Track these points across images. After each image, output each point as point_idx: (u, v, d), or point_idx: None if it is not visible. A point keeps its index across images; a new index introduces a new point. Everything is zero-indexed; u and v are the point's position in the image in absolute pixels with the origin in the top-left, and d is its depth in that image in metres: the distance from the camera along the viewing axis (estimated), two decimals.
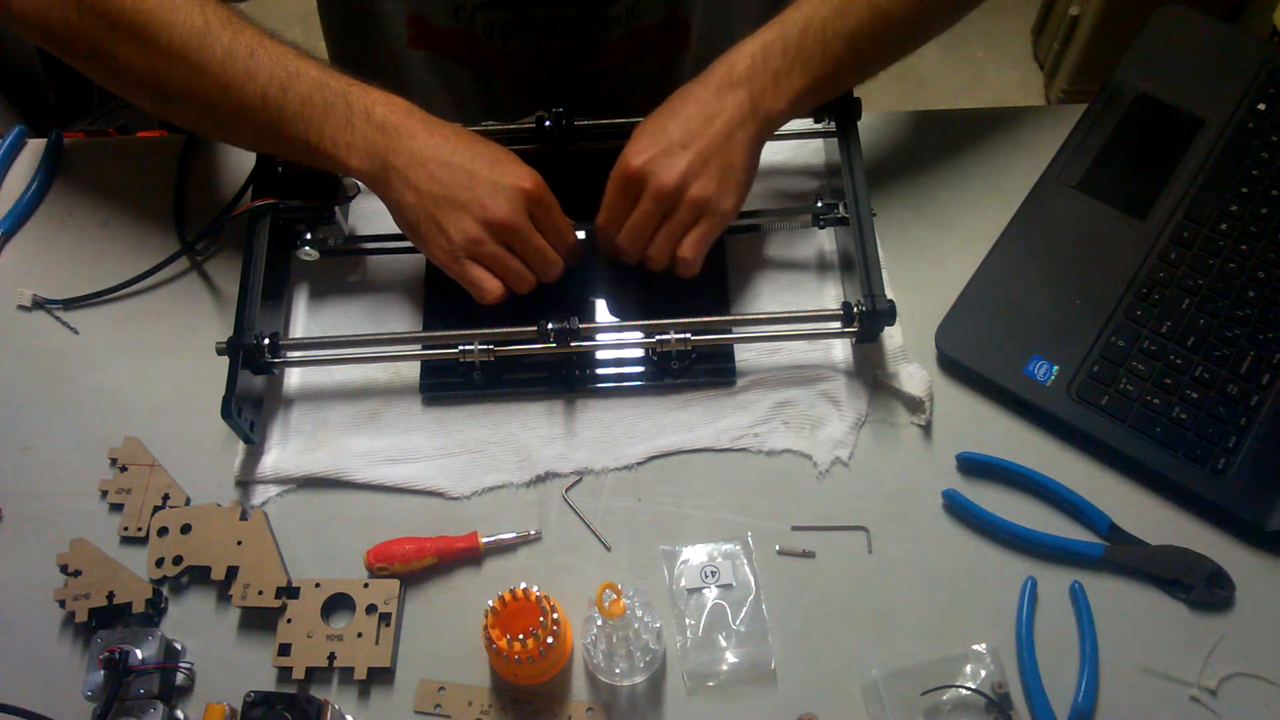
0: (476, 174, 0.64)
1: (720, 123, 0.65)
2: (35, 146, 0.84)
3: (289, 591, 0.65)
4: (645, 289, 0.72)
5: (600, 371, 0.72)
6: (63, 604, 0.65)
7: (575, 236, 0.70)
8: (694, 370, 0.71)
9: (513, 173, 0.65)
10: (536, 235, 0.66)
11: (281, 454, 0.70)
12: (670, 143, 0.65)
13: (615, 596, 0.58)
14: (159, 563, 0.66)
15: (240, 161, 0.81)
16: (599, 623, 0.60)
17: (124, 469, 0.70)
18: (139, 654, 0.62)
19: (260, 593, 0.64)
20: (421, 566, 0.66)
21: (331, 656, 0.63)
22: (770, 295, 0.75)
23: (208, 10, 0.65)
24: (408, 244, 0.75)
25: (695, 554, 0.66)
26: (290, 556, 0.67)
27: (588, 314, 0.73)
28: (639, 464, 0.69)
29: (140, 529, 0.68)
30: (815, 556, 0.67)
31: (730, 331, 0.71)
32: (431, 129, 0.65)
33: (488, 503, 0.69)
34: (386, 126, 0.64)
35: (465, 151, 0.65)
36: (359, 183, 0.76)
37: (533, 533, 0.67)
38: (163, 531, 0.67)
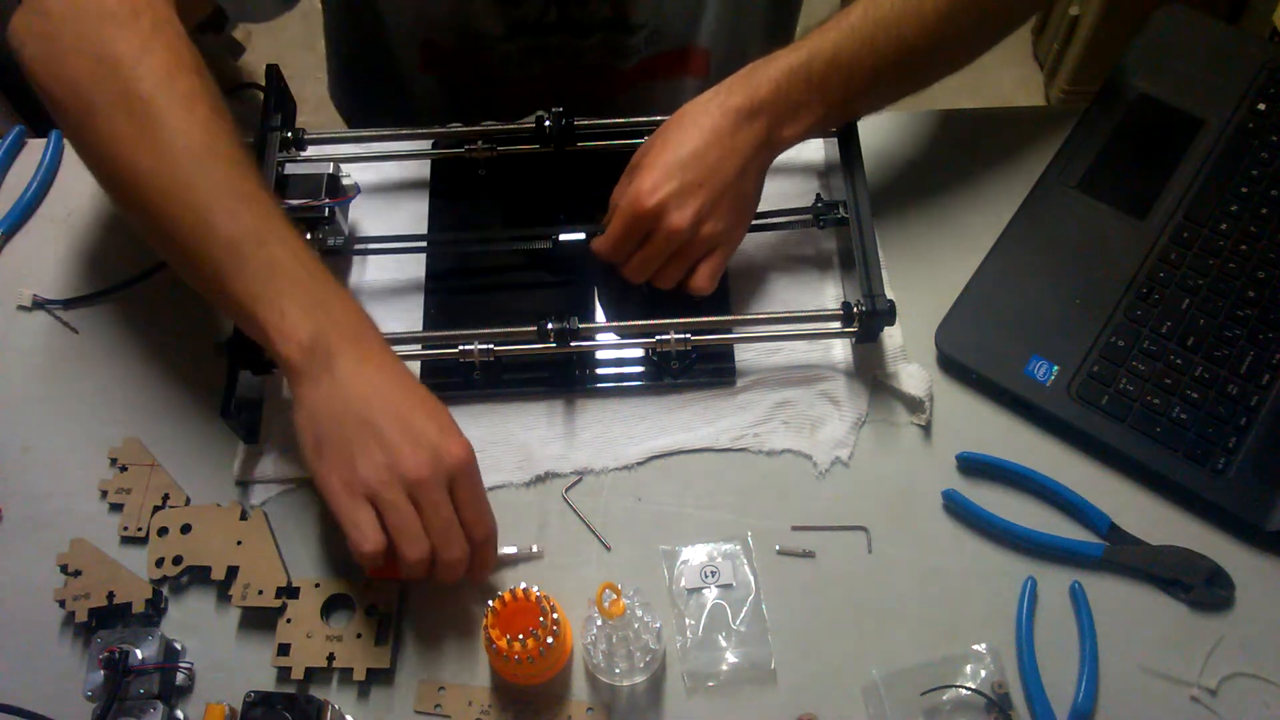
0: (410, 418, 0.57)
1: (737, 159, 0.64)
2: (35, 146, 0.84)
3: (289, 591, 0.65)
4: (645, 289, 0.72)
5: (600, 371, 0.72)
6: (63, 604, 0.65)
7: (488, 528, 0.60)
8: (694, 370, 0.71)
9: (450, 435, 0.58)
10: (448, 507, 0.57)
11: (281, 454, 0.70)
12: (686, 181, 0.63)
13: (615, 596, 0.58)
14: (159, 563, 0.66)
15: None
16: (599, 623, 0.60)
17: (124, 469, 0.70)
18: (139, 654, 0.62)
19: (260, 593, 0.64)
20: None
21: (331, 657, 0.63)
22: (770, 295, 0.75)
23: (219, 136, 0.59)
24: (408, 244, 0.76)
25: (695, 554, 0.66)
26: (290, 556, 0.67)
27: (588, 314, 0.73)
28: (639, 464, 0.69)
29: (140, 529, 0.68)
30: (815, 556, 0.67)
31: (730, 331, 0.71)
32: (375, 350, 0.59)
33: None
34: (331, 312, 0.58)
35: (407, 391, 0.59)
36: (358, 183, 0.76)
37: (535, 549, 0.66)
38: (163, 531, 0.67)
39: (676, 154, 0.64)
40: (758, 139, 0.65)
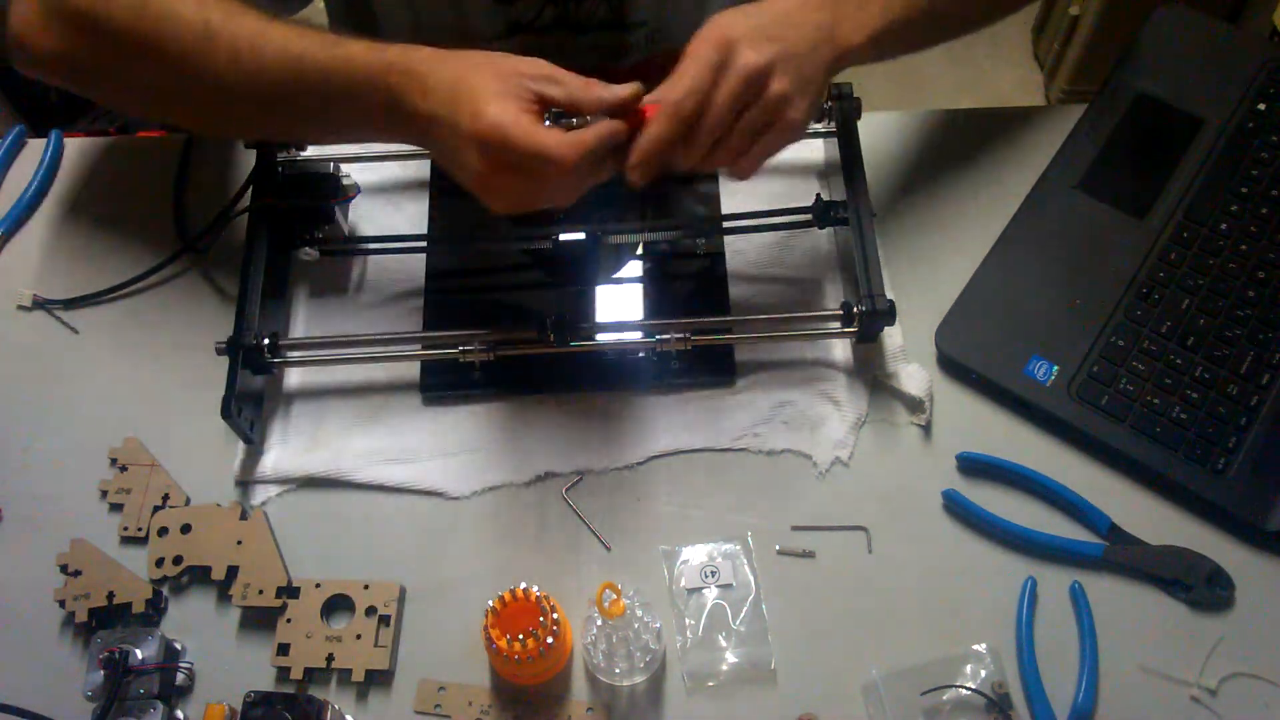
0: (456, 130, 0.57)
1: (807, 28, 0.61)
2: (35, 146, 0.84)
3: (289, 591, 0.65)
4: (645, 288, 0.72)
5: (600, 372, 0.72)
6: (63, 604, 0.65)
7: (557, 170, 0.57)
8: (694, 370, 0.71)
9: (470, 118, 0.57)
10: (514, 179, 0.58)
11: (281, 454, 0.70)
12: (759, 28, 0.60)
13: (615, 596, 0.58)
14: (159, 563, 0.66)
15: (240, 161, 0.81)
16: (599, 623, 0.60)
17: (124, 469, 0.70)
18: (139, 654, 0.62)
19: (260, 592, 0.64)
20: None
21: (330, 658, 0.63)
22: (770, 295, 0.75)
23: (207, 8, 0.63)
24: (408, 244, 0.76)
25: (695, 554, 0.66)
26: (290, 556, 0.67)
27: (588, 314, 0.73)
28: (639, 464, 0.69)
29: (140, 529, 0.68)
30: (815, 556, 0.67)
31: (730, 331, 0.71)
32: (429, 78, 0.59)
33: (488, 503, 0.69)
34: (393, 96, 0.59)
35: (450, 102, 0.58)
36: (359, 183, 0.76)
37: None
38: (163, 531, 0.67)
39: (745, 12, 0.61)
40: (821, 26, 0.62)
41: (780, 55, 0.60)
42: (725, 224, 0.75)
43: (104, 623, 0.65)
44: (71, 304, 0.76)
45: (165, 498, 0.69)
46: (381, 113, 0.60)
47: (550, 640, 0.58)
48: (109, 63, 0.64)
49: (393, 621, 0.64)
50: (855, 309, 0.67)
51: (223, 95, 0.63)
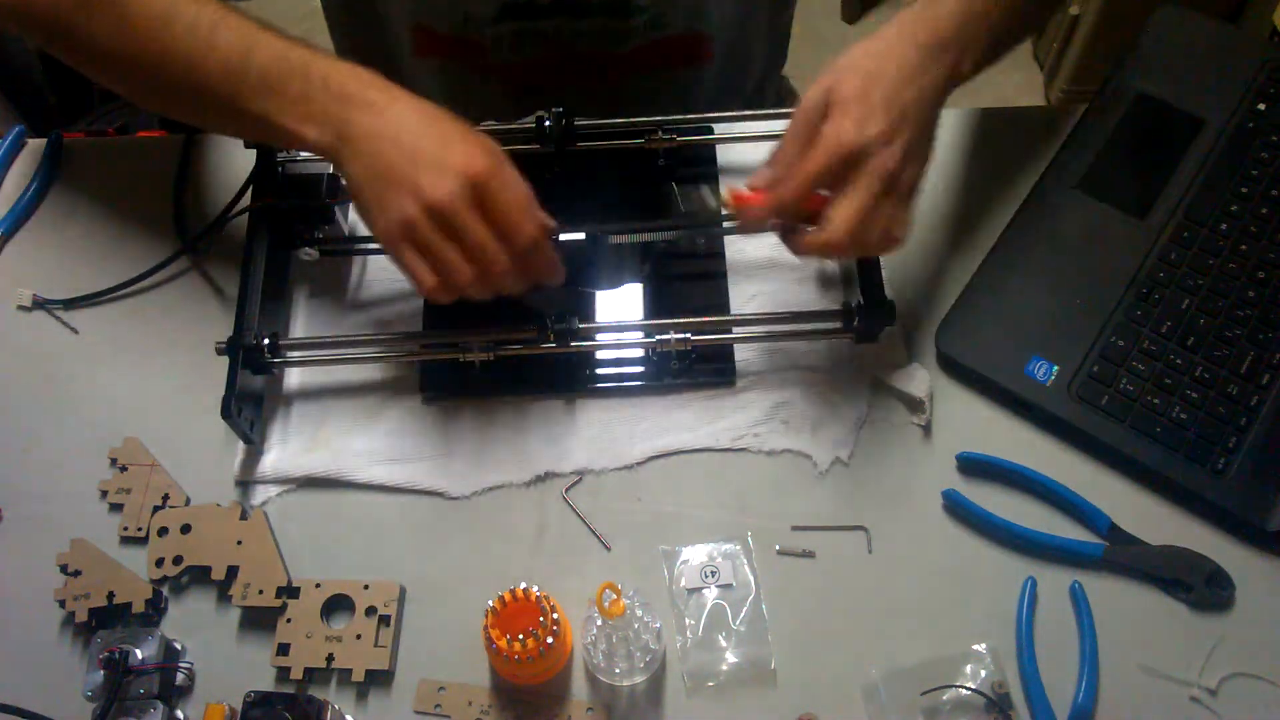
0: (422, 152, 0.58)
1: (931, 97, 0.60)
2: (35, 146, 0.84)
3: (289, 591, 0.65)
4: (645, 288, 0.72)
5: (600, 371, 0.72)
6: (63, 604, 0.65)
7: (533, 230, 0.60)
8: (694, 370, 0.71)
9: (461, 152, 0.58)
10: (479, 226, 0.58)
11: (281, 454, 0.70)
12: (891, 120, 0.58)
13: (615, 596, 0.58)
14: (159, 563, 0.66)
15: (240, 161, 0.81)
16: (599, 623, 0.60)
17: (124, 469, 0.70)
18: (139, 654, 0.62)
19: (260, 592, 0.64)
20: None
21: (330, 657, 0.63)
22: (770, 295, 0.75)
23: None
24: None
25: (695, 554, 0.66)
26: (290, 556, 0.67)
27: (588, 314, 0.73)
28: (639, 464, 0.69)
29: (140, 529, 0.68)
30: (815, 556, 0.67)
31: (730, 331, 0.71)
32: (391, 101, 0.60)
33: (488, 503, 0.69)
34: (344, 96, 0.59)
35: (418, 128, 0.59)
36: None
37: None
38: (163, 531, 0.67)
39: (874, 93, 0.59)
40: (944, 76, 0.61)
41: (910, 142, 0.59)
42: (725, 224, 0.75)
43: (104, 623, 0.65)
44: (71, 304, 0.76)
45: (165, 498, 0.69)
46: (334, 104, 0.60)
47: (550, 640, 0.58)
48: (71, 17, 0.63)
49: (393, 621, 0.64)
50: (855, 309, 0.67)
51: (171, 69, 0.62)
